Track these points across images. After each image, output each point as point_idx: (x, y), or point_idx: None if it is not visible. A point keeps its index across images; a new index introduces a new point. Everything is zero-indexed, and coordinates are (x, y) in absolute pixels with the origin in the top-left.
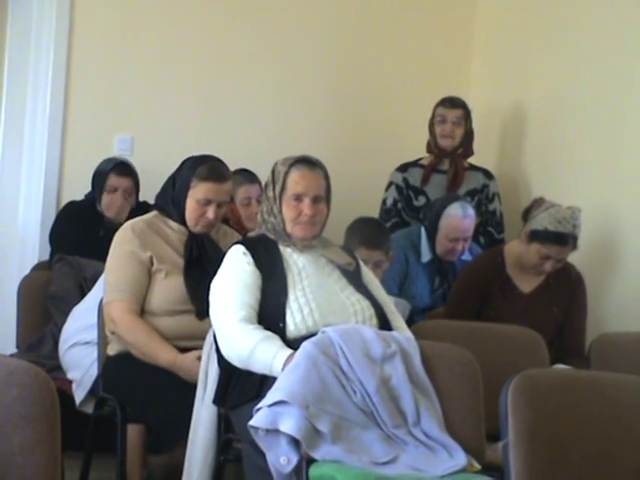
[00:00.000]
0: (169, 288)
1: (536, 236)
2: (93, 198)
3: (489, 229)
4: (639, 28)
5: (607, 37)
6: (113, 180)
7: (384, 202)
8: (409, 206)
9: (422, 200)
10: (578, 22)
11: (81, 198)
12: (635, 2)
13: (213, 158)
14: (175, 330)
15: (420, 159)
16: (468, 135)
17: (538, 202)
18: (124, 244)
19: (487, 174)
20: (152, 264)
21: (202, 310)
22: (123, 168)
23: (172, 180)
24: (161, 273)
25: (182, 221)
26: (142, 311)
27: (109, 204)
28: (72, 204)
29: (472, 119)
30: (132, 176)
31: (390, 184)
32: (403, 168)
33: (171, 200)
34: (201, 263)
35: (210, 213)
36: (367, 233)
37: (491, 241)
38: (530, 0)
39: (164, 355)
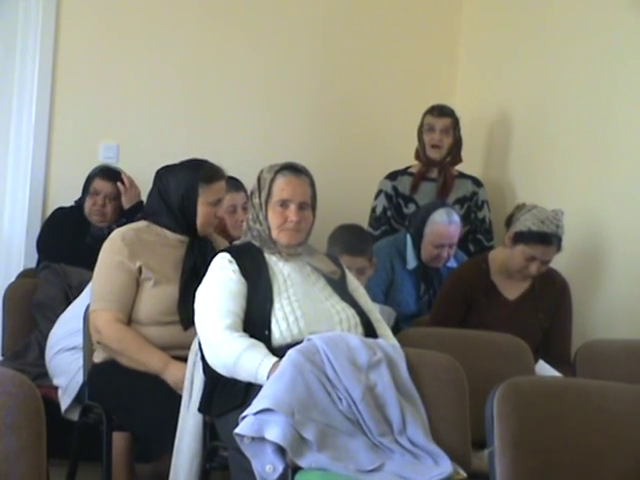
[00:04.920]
0: (158, 298)
1: (520, 237)
2: (81, 205)
3: (479, 237)
4: (622, 35)
5: (591, 45)
6: (97, 184)
7: (373, 210)
8: (399, 214)
9: (412, 208)
10: (562, 31)
11: (69, 205)
12: (619, 10)
13: (201, 160)
14: (162, 340)
15: (409, 167)
16: (456, 143)
17: (519, 207)
18: (113, 254)
19: (476, 182)
20: (140, 273)
21: (188, 319)
22: (107, 172)
23: (157, 192)
24: (149, 282)
25: (182, 230)
26: (129, 321)
27: (90, 208)
28: (59, 211)
29: (460, 127)
30: (115, 181)
31: (379, 192)
32: (392, 176)
33: (178, 210)
34: (197, 272)
35: (220, 212)
36: (349, 240)
37: (481, 249)
38: (515, 9)
39: (155, 360)
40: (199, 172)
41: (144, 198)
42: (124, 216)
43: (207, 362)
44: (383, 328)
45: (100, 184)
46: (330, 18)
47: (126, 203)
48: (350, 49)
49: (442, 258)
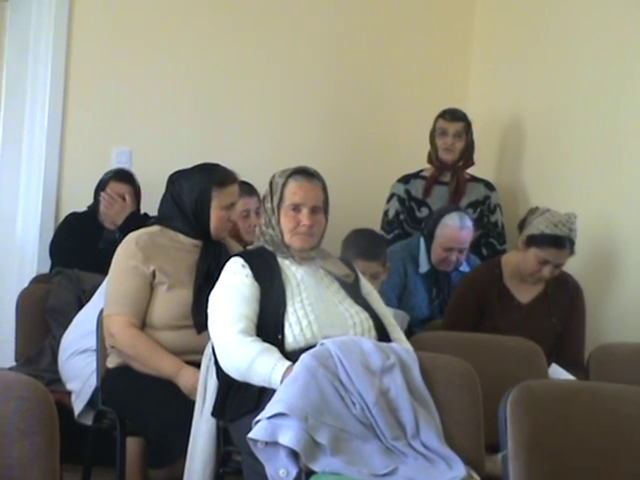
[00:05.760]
0: (172, 302)
1: (533, 240)
2: (94, 210)
3: (491, 240)
4: (636, 38)
5: (604, 48)
6: (113, 186)
7: (386, 214)
8: (412, 217)
9: (425, 212)
10: (575, 34)
11: (82, 210)
12: (632, 13)
13: (213, 164)
14: (175, 344)
15: (421, 171)
16: (469, 147)
17: (532, 210)
18: (127, 258)
19: (488, 185)
20: (154, 277)
21: (201, 323)
22: (122, 174)
23: (170, 196)
24: (163, 286)
25: (196, 234)
26: (143, 325)
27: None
28: (72, 216)
29: (473, 130)
30: (131, 182)
31: (392, 195)
32: (405, 180)
33: (192, 214)
34: (211, 276)
35: (233, 215)
36: (363, 245)
37: (494, 252)
38: (528, 12)
39: (168, 365)
40: (212, 176)
41: (157, 203)
42: (136, 220)
43: (220, 366)
44: (396, 332)
45: (116, 186)
46: (342, 22)
47: (118, 219)
48: (362, 52)
49: (450, 262)
